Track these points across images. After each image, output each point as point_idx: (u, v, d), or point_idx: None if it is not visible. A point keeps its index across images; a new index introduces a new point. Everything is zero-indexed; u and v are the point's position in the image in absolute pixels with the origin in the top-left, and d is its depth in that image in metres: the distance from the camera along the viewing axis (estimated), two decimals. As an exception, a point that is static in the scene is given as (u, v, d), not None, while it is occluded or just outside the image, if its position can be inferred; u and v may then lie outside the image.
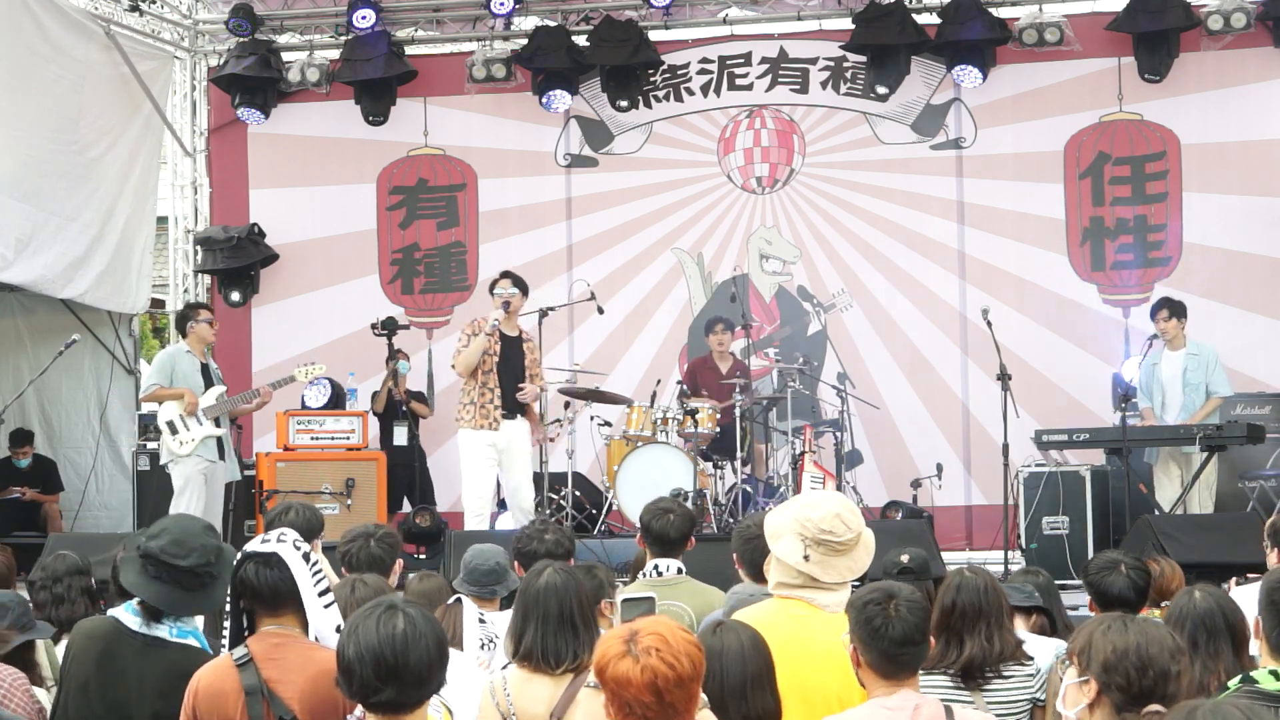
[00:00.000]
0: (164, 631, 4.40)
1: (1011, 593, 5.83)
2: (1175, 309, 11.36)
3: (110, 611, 4.56)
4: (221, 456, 10.91)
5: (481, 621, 5.09)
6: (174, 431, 10.74)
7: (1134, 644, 3.38)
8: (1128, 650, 3.40)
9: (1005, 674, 4.99)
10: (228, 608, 4.28)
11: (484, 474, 10.73)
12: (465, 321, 11.30)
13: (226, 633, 4.27)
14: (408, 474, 12.69)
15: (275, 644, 4.13)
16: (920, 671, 4.85)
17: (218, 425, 10.86)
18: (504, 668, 4.69)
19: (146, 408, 14.70)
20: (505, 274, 11.02)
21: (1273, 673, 3.74)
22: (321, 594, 4.18)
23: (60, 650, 4.99)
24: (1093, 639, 3.45)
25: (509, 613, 5.72)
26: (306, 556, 4.18)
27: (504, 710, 4.44)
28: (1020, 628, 5.72)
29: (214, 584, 4.42)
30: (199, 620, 4.63)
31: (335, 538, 8.61)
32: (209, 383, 10.94)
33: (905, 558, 5.71)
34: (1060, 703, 3.50)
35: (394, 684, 3.36)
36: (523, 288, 10.93)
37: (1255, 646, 3.98)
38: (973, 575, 5.11)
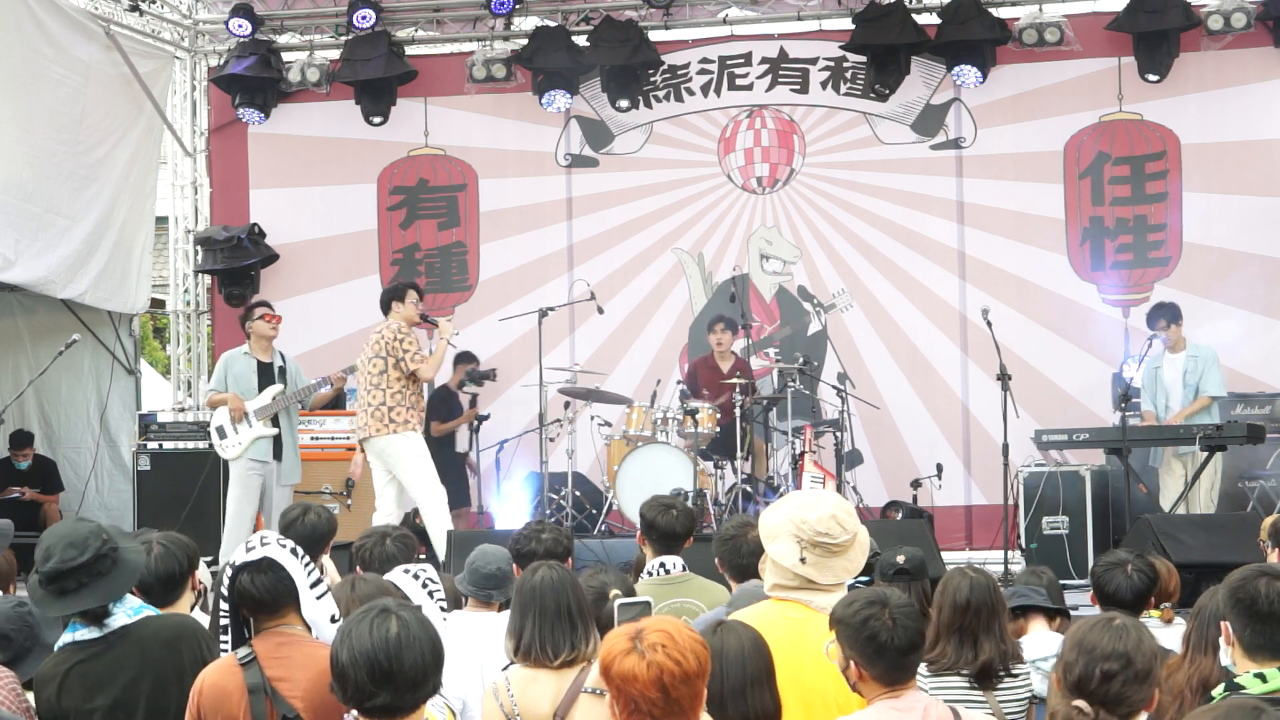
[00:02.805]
0: (121, 619, 4.39)
1: (1030, 594, 5.81)
2: (1172, 316, 11.38)
3: (58, 645, 4.52)
4: (278, 456, 10.76)
5: (415, 577, 5.01)
6: (222, 436, 10.75)
7: (1078, 639, 3.52)
8: (1072, 644, 3.56)
9: (1015, 673, 4.98)
10: (225, 620, 4.27)
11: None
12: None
13: (228, 640, 4.27)
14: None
15: (279, 643, 4.14)
16: (932, 674, 4.85)
17: (274, 425, 10.75)
18: (505, 668, 4.70)
19: (147, 407, 14.79)
20: (413, 285, 10.92)
21: (1258, 675, 3.73)
22: (313, 585, 4.19)
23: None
24: (1069, 631, 3.59)
25: (507, 614, 5.73)
26: (294, 551, 4.19)
27: (508, 710, 4.45)
28: (1043, 628, 5.70)
29: (121, 554, 4.41)
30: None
31: (337, 538, 8.63)
32: (269, 381, 10.84)
33: (901, 559, 5.69)
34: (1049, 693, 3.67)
35: (389, 688, 3.35)
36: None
37: (1225, 652, 3.96)
38: (979, 575, 5.09)
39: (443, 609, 4.77)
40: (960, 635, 4.96)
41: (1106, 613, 3.71)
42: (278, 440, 10.78)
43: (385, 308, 10.78)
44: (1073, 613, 6.48)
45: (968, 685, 4.91)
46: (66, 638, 4.44)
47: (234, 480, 10.76)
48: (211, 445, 11.63)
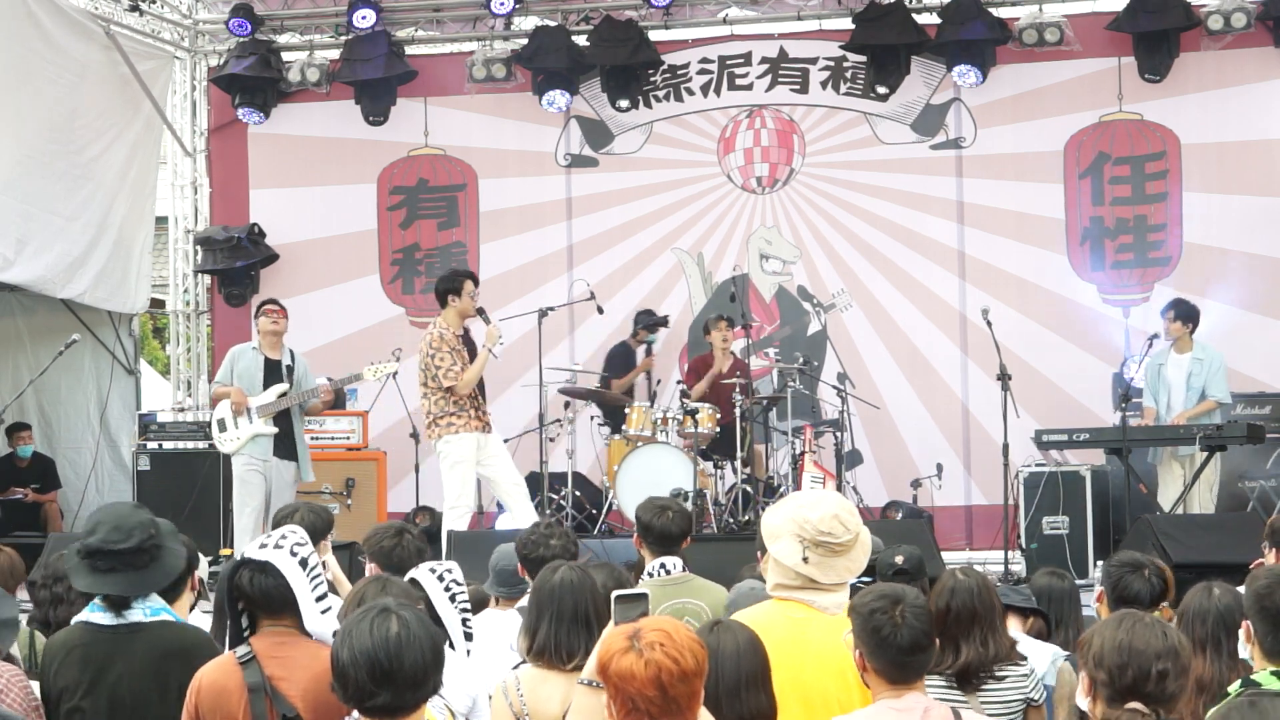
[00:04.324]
0: (137, 615, 4.41)
1: (1010, 594, 5.82)
2: (1183, 311, 11.34)
3: (75, 619, 4.55)
4: (282, 455, 10.54)
5: (440, 578, 4.94)
6: (221, 429, 10.58)
7: (1121, 641, 3.48)
8: (1115, 647, 3.49)
9: (999, 675, 4.99)
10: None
11: (473, 477, 10.56)
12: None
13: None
14: None
15: (279, 642, 4.14)
16: None
17: (275, 423, 10.55)
18: (516, 667, 4.69)
19: (147, 407, 14.78)
20: (470, 276, 10.78)
21: (1274, 673, 3.74)
22: (319, 599, 4.16)
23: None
24: (1094, 634, 3.57)
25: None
26: (304, 562, 4.16)
27: (517, 710, 4.44)
28: (1015, 629, 5.71)
29: (162, 554, 4.45)
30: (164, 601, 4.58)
31: (336, 538, 8.64)
32: (276, 379, 10.62)
33: (900, 559, 5.69)
34: (1077, 695, 3.61)
35: (389, 687, 3.35)
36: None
37: (1245, 650, 3.97)
38: (965, 577, 5.09)
39: (465, 611, 4.71)
40: (943, 639, 4.97)
41: (1127, 611, 3.67)
42: (278, 439, 10.59)
43: (441, 300, 10.57)
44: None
45: (946, 685, 4.92)
46: (84, 615, 4.48)
47: (235, 478, 10.65)
48: (211, 444, 11.59)
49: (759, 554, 5.63)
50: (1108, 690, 3.47)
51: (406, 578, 4.96)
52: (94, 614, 4.44)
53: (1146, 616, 3.62)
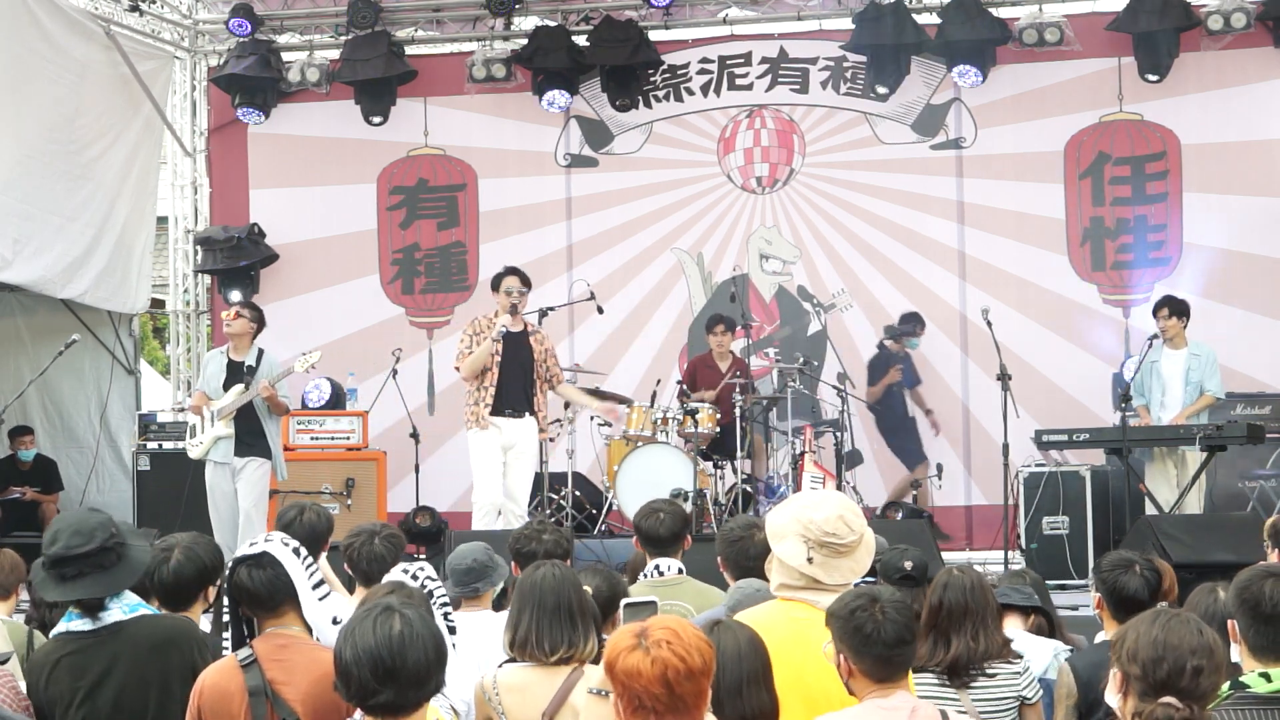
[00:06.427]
0: (116, 614, 4.39)
1: (1010, 593, 5.84)
2: (1177, 308, 11.31)
3: (53, 632, 4.54)
4: (251, 454, 10.28)
5: (414, 577, 4.92)
6: (191, 435, 10.49)
7: (1156, 637, 3.47)
8: (1150, 642, 3.47)
9: (990, 673, 4.99)
10: (226, 616, 4.27)
11: (491, 474, 10.51)
12: (466, 321, 11.22)
13: (228, 640, 4.26)
14: None
15: (280, 645, 4.14)
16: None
17: (240, 424, 10.29)
18: (500, 666, 4.69)
19: (147, 407, 14.77)
20: (512, 270, 10.86)
21: (1263, 675, 3.74)
22: (315, 586, 4.19)
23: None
24: (1126, 632, 3.54)
25: (504, 614, 5.69)
26: (297, 550, 4.19)
27: (493, 711, 4.45)
28: (1019, 627, 5.72)
29: (127, 550, 4.42)
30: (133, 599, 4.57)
31: (335, 538, 8.65)
32: (237, 380, 10.36)
33: (909, 564, 5.70)
34: (1107, 692, 3.59)
35: (392, 685, 3.35)
36: (528, 284, 10.78)
37: (1235, 652, 3.96)
38: (960, 574, 5.11)
39: (445, 608, 4.74)
40: (935, 634, 5.00)
41: (1163, 608, 3.68)
42: (248, 439, 10.32)
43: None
44: (1072, 613, 6.50)
45: (938, 682, 4.92)
46: (62, 626, 4.46)
47: (207, 483, 10.43)
48: None
49: (719, 560, 5.67)
50: (1141, 685, 3.45)
51: (383, 581, 4.95)
52: (72, 623, 4.42)
53: (1179, 613, 3.62)
